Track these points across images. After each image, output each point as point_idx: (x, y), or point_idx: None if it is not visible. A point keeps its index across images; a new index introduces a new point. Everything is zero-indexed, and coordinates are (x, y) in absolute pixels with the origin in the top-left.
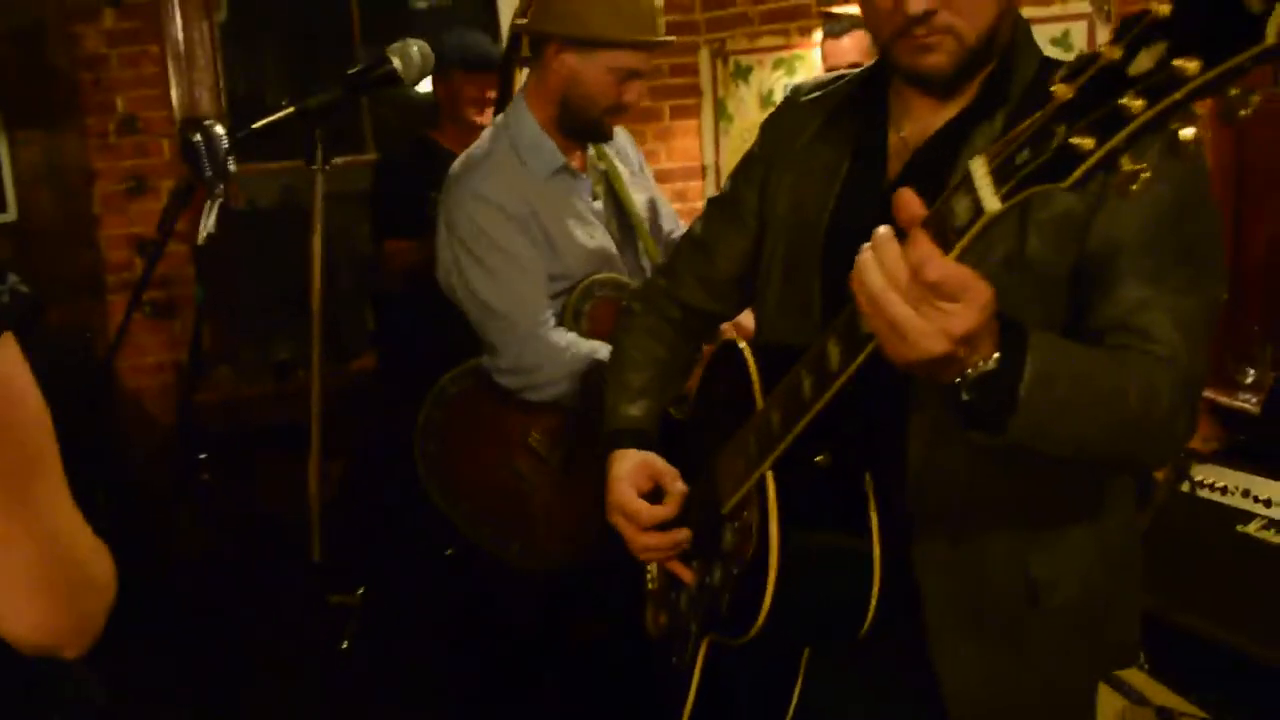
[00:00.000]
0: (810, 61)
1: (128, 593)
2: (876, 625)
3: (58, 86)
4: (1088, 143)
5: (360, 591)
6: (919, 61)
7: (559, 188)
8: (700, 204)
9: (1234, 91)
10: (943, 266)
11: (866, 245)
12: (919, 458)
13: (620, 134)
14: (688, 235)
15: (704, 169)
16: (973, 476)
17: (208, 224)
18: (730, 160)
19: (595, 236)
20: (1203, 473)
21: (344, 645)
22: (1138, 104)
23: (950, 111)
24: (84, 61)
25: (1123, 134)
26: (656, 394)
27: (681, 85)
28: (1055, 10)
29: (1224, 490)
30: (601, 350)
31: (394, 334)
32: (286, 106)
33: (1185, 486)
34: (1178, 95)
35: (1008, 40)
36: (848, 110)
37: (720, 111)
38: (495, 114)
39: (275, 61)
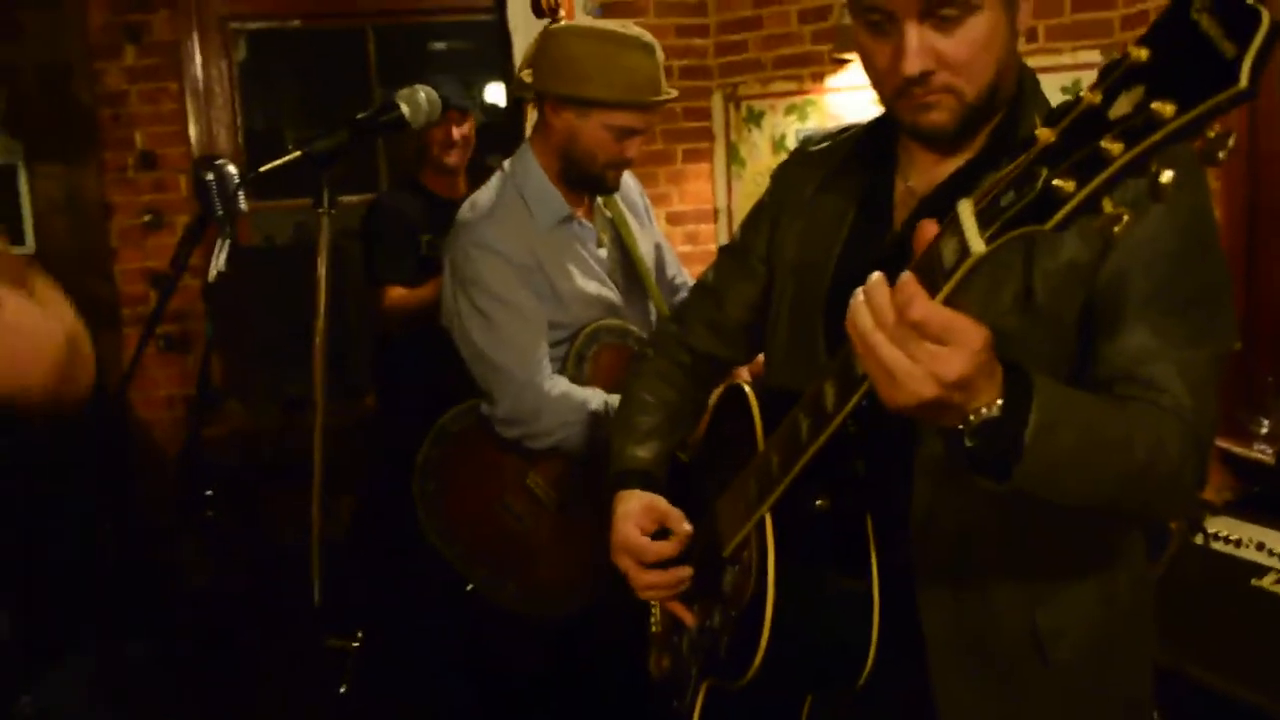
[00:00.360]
0: (822, 107)
1: (129, 621)
2: (879, 672)
3: (78, 121)
4: (1069, 185)
5: (359, 635)
6: (920, 120)
7: (564, 237)
8: (712, 246)
9: (1211, 133)
10: (926, 306)
11: (860, 289)
12: (923, 500)
13: (627, 179)
14: (700, 282)
15: (716, 212)
16: (978, 521)
17: (218, 262)
18: (742, 203)
19: (599, 286)
20: (1216, 525)
21: (342, 689)
22: (1116, 147)
23: (957, 162)
24: (105, 97)
25: (1102, 176)
26: (664, 437)
27: (694, 129)
28: (1065, 59)
29: (1238, 543)
30: (595, 400)
31: (393, 373)
32: (294, 150)
33: (1198, 538)
34: (1155, 137)
35: (1013, 92)
36: (856, 160)
37: (733, 155)
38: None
39: (293, 100)
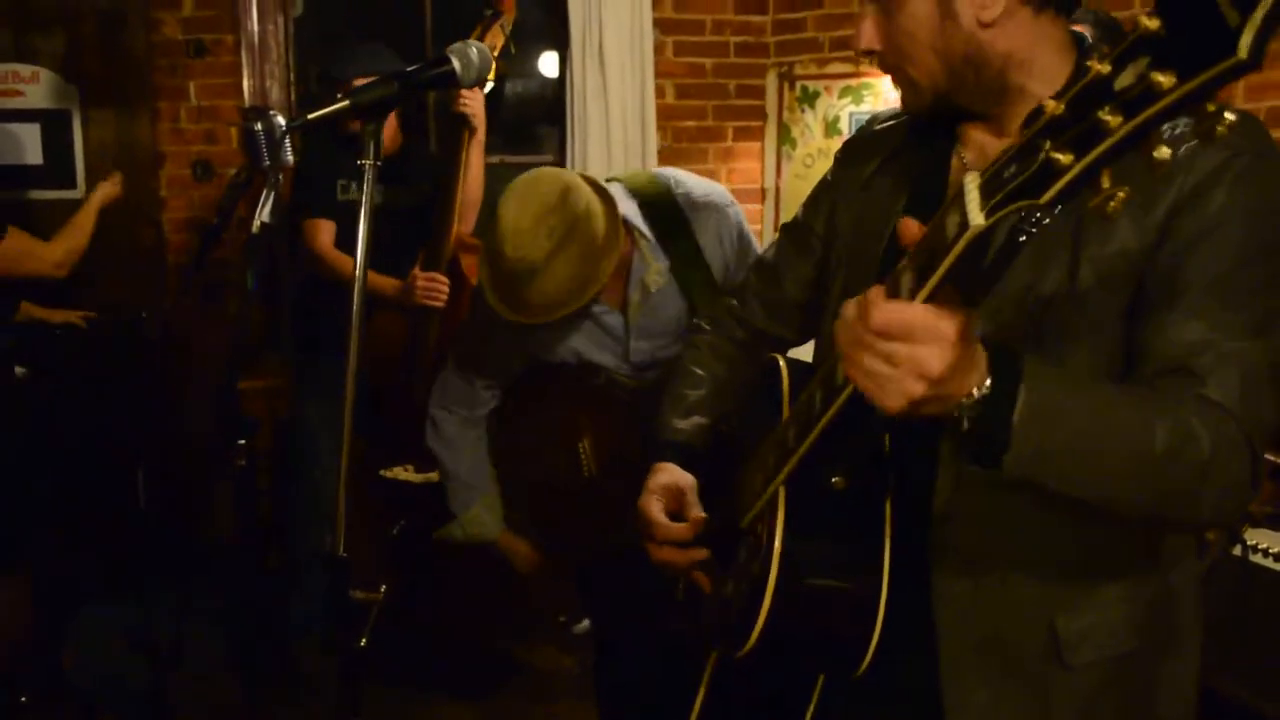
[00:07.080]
0: (878, 91)
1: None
2: (888, 663)
3: (133, 70)
4: (1066, 158)
5: (383, 589)
6: (900, 97)
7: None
8: (759, 226)
9: (1211, 107)
10: (883, 311)
11: (848, 302)
12: (946, 488)
13: (713, 222)
14: (760, 259)
15: (764, 192)
16: (1002, 516)
17: (262, 214)
18: (790, 185)
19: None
20: (1256, 537)
21: (362, 642)
22: (1116, 119)
23: (1009, 141)
24: (160, 47)
25: (1098, 150)
26: (708, 410)
27: (746, 107)
28: None
29: (1278, 557)
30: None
31: (304, 316)
32: (342, 100)
33: (1237, 550)
34: (1152, 110)
35: (997, 77)
36: (917, 139)
37: (784, 136)
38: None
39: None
